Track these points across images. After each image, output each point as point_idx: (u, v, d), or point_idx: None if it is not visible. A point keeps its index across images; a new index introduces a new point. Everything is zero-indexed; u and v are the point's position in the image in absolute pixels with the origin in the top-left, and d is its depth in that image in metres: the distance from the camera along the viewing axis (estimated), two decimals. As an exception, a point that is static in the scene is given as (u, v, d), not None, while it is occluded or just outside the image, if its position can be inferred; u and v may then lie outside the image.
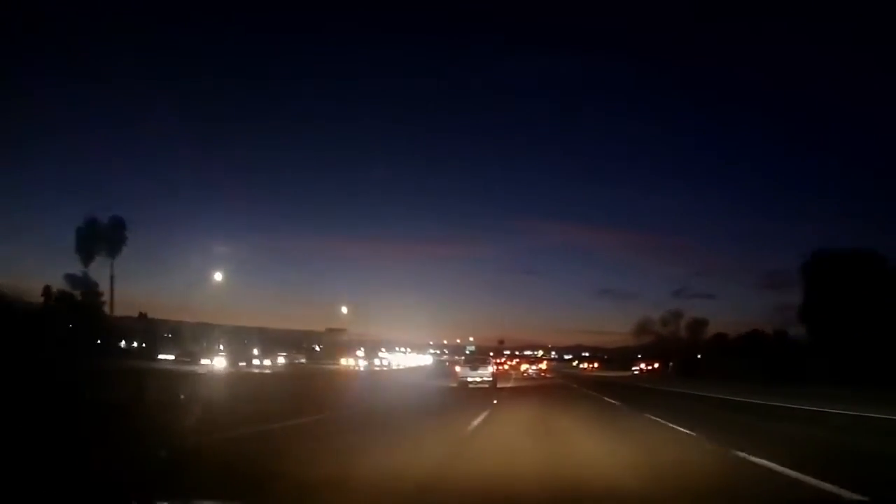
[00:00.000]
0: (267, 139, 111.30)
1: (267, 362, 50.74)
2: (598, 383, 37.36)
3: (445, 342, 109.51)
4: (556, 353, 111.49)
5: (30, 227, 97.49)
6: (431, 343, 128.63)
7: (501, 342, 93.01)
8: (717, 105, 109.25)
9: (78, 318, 39.46)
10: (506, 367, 75.70)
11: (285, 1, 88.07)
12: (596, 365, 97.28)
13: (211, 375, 28.71)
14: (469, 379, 29.96)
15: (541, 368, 68.03)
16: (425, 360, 79.22)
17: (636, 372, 53.07)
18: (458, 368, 33.54)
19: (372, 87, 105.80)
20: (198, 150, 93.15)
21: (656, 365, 46.74)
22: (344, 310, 56.96)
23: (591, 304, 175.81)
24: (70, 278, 42.42)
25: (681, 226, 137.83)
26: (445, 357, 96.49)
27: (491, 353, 54.59)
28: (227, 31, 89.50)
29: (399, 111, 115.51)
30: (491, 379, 30.28)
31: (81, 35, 66.13)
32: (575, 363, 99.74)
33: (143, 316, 53.62)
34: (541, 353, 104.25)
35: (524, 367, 70.19)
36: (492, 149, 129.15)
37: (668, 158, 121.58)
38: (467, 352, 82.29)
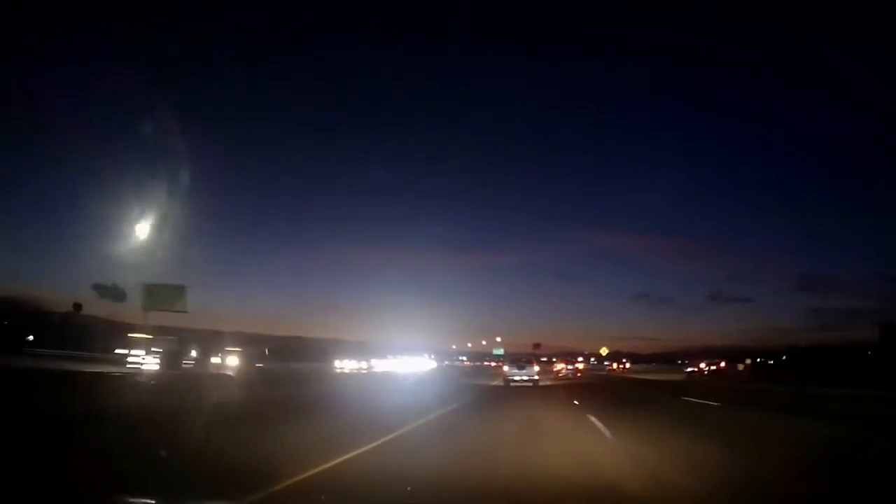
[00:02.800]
0: (298, 148, 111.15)
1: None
2: (658, 385, 34.66)
3: (469, 345, 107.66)
4: (595, 359, 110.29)
5: (53, 237, 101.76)
6: (455, 347, 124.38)
7: (537, 346, 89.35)
8: (751, 109, 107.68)
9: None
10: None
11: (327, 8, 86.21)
12: (628, 366, 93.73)
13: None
14: (516, 377, 33.09)
15: (577, 368, 69.16)
16: (430, 364, 79.88)
17: (692, 372, 47.89)
18: (505, 368, 36.98)
19: (401, 94, 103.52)
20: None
21: (723, 364, 42.84)
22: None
23: (626, 310, 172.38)
24: (99, 288, 41.35)
25: (715, 229, 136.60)
26: (477, 363, 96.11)
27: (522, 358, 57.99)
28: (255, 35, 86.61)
29: (429, 118, 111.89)
30: (536, 377, 33.70)
31: (81, 38, 61.99)
32: (611, 365, 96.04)
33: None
34: (605, 352, 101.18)
35: (559, 366, 70.01)
36: (525, 156, 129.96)
37: (702, 163, 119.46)
38: (494, 354, 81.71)
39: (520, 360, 37.77)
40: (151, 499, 4.12)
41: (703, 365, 44.36)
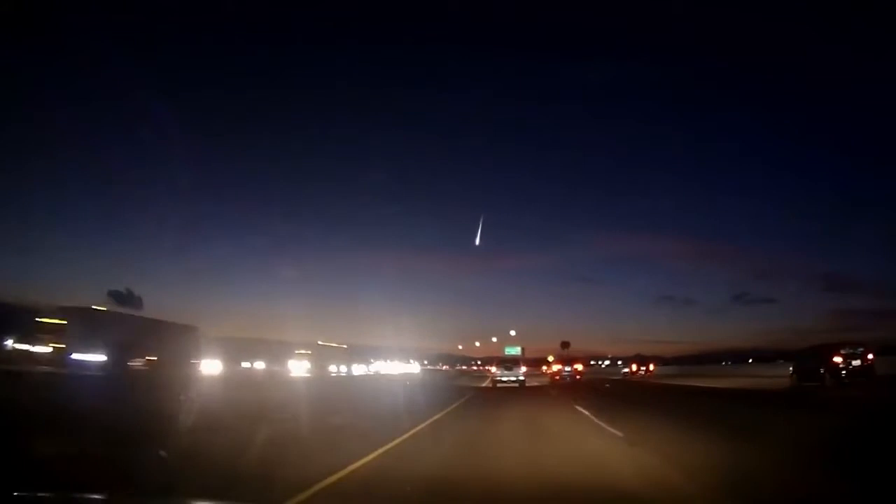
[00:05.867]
0: (323, 155, 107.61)
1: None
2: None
3: (478, 344, 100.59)
4: (622, 362, 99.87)
5: (66, 243, 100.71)
6: (461, 347, 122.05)
7: (566, 344, 76.18)
8: (775, 108, 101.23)
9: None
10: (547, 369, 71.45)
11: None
12: (652, 368, 75.33)
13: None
14: (504, 378, 35.67)
15: (576, 370, 59.88)
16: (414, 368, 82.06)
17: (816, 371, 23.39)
18: (492, 369, 40.29)
19: (415, 101, 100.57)
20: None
21: (870, 357, 22.42)
22: None
23: (649, 313, 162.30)
24: (114, 294, 40.54)
25: (739, 230, 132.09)
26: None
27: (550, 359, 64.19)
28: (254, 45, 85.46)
29: (447, 125, 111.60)
30: (522, 378, 36.29)
31: (81, 42, 63.02)
32: (630, 367, 77.88)
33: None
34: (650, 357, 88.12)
35: (556, 367, 61.05)
36: (544, 160, 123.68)
37: (724, 163, 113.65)
38: (507, 353, 70.57)
39: (507, 362, 39.35)
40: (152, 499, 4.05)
41: (837, 359, 21.81)
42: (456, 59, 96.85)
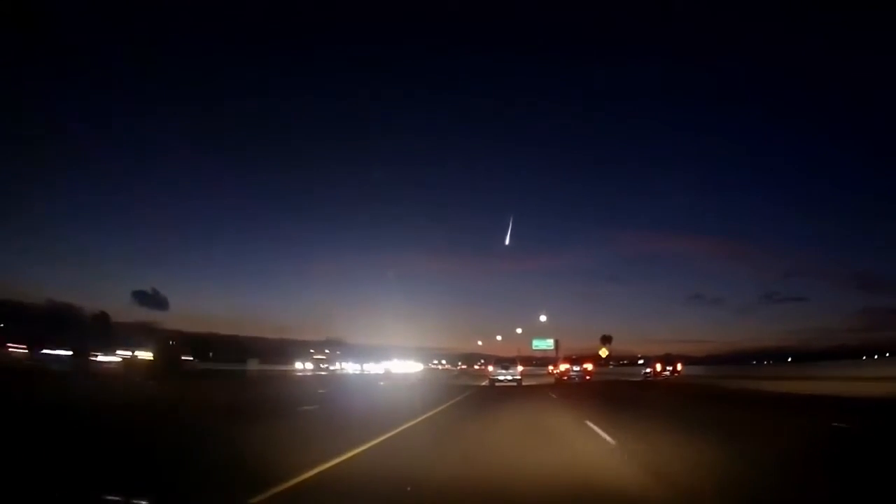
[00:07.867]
0: (344, 155, 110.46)
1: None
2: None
3: (500, 338, 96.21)
4: (647, 362, 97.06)
5: (87, 246, 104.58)
6: (480, 343, 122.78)
7: (608, 339, 67.27)
8: (803, 107, 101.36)
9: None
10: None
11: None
12: (679, 369, 67.78)
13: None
14: (500, 377, 36.65)
15: (585, 369, 55.44)
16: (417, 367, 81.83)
17: None
18: (490, 369, 40.52)
19: (442, 103, 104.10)
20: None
21: None
22: None
23: (679, 313, 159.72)
24: (139, 295, 38.21)
25: (769, 228, 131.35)
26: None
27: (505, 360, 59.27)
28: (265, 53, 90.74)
29: (476, 125, 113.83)
30: (519, 377, 37.36)
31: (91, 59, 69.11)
32: (654, 366, 70.30)
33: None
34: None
35: (563, 367, 56.59)
36: (573, 160, 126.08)
37: (754, 161, 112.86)
38: (535, 347, 68.44)
39: (503, 361, 41.12)
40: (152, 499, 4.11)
41: None
42: (472, 61, 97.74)
